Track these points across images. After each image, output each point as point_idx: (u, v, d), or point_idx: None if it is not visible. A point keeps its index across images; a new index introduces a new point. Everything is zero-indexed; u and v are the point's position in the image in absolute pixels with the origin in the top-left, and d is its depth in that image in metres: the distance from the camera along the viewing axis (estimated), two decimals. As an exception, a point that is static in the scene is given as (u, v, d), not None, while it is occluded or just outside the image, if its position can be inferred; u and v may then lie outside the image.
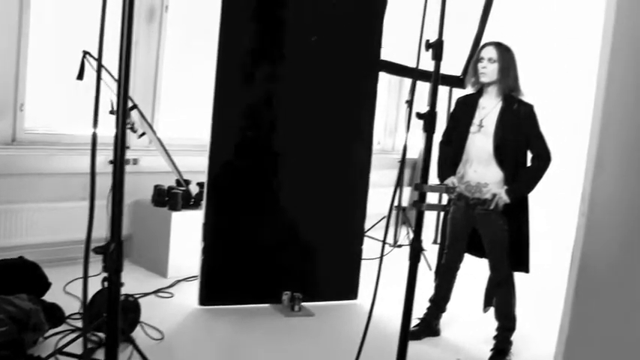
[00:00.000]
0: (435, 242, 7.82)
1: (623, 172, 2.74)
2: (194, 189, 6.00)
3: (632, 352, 2.70)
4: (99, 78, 2.07)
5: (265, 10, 5.13)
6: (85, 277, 2.10)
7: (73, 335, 4.08)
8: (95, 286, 2.72)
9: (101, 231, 2.35)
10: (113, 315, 2.16)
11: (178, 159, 5.64)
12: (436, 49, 2.90)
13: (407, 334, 3.17)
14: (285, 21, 5.20)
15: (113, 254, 2.03)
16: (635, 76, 2.68)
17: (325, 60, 5.34)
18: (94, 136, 2.06)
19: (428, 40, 2.93)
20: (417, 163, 8.95)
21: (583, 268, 2.75)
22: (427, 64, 3.00)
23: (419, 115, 2.96)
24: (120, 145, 2.04)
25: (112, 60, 2.34)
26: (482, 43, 4.90)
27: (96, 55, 2.75)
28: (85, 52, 4.17)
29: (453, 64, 6.57)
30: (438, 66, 2.93)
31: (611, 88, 2.65)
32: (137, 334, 4.28)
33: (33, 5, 5.34)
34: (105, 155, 2.63)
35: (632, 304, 2.69)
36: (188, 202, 5.91)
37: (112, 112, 3.69)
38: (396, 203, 7.71)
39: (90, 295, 4.04)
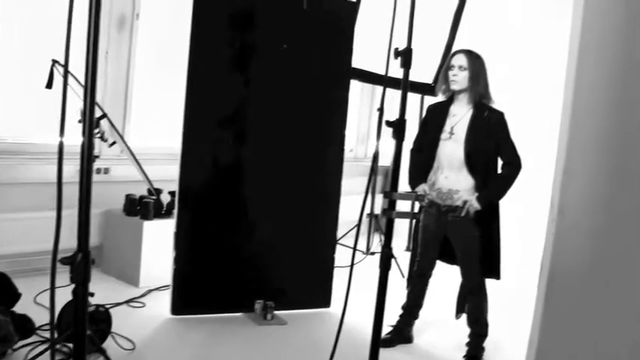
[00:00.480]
0: (408, 249, 7.84)
1: (592, 179, 2.76)
2: (166, 198, 5.98)
3: (602, 358, 2.72)
4: (65, 86, 2.05)
5: (236, 19, 5.12)
6: (52, 288, 2.09)
7: (43, 347, 4.04)
8: (67, 296, 2.70)
9: (72, 241, 2.33)
10: (81, 326, 2.13)
11: (150, 168, 5.60)
12: (405, 56, 2.91)
13: (378, 341, 3.17)
14: (256, 29, 5.19)
15: (80, 265, 2.01)
16: (602, 82, 2.70)
17: (296, 68, 5.34)
18: (61, 145, 2.05)
19: (397, 48, 2.95)
20: (389, 170, 8.96)
21: (553, 274, 2.76)
22: (398, 71, 3.01)
23: (388, 123, 2.96)
24: (87, 153, 2.02)
25: (81, 68, 2.31)
26: (452, 51, 4.93)
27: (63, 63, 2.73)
28: (54, 61, 4.13)
29: (424, 71, 6.60)
30: (406, 74, 2.94)
31: (578, 95, 2.67)
32: (108, 344, 4.24)
33: (0, 13, 5.30)
34: (75, 164, 2.61)
35: (601, 310, 2.71)
36: (160, 211, 5.89)
37: (81, 121, 3.67)
38: (368, 211, 7.73)
39: (61, 306, 4.05)
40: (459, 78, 4.62)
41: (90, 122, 1.99)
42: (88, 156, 2.00)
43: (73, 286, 2.12)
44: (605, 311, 2.68)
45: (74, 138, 2.38)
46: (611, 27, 2.67)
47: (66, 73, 2.00)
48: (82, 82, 2.10)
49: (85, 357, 2.17)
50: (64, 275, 2.17)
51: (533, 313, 2.86)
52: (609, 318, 2.66)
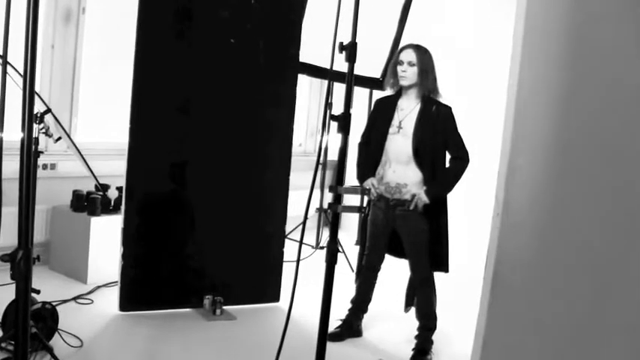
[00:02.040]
0: (357, 243, 7.86)
1: (536, 174, 2.79)
2: (113, 194, 5.92)
3: (545, 351, 2.75)
4: (4, 81, 2.02)
5: (183, 13, 5.08)
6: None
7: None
8: (13, 294, 2.67)
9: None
10: (23, 323, 2.10)
11: (98, 163, 5.56)
12: (349, 51, 2.91)
13: (325, 335, 3.17)
14: (203, 24, 5.16)
15: (20, 262, 1.98)
16: (545, 77, 2.73)
17: (244, 62, 5.33)
18: (0, 141, 2.02)
19: (342, 43, 2.94)
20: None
21: (497, 268, 2.79)
22: (345, 65, 3.01)
23: (333, 117, 2.96)
24: (26, 149, 1.99)
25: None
26: (400, 45, 4.93)
27: (10, 60, 2.68)
28: (-3, 55, 4.08)
29: (372, 65, 6.61)
30: (351, 68, 2.94)
31: (522, 91, 2.69)
32: (55, 342, 4.19)
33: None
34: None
35: (545, 304, 2.74)
36: (107, 207, 5.83)
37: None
38: (317, 205, 7.74)
39: (7, 304, 3.99)
40: (408, 73, 4.64)
41: (29, 117, 1.96)
42: (27, 151, 1.97)
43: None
44: (548, 304, 2.71)
45: (19, 133, 2.35)
46: (555, 22, 2.71)
47: (5, 65, 1.97)
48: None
49: (27, 355, 2.13)
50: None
51: (479, 306, 2.89)
52: (552, 311, 2.70)
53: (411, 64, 4.63)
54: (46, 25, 5.97)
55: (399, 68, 4.67)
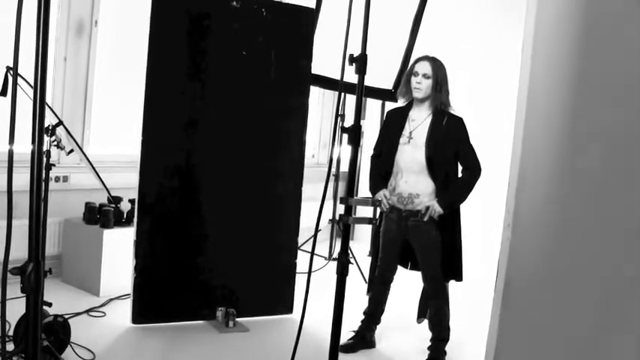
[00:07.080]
0: (370, 254, 7.83)
1: (547, 183, 2.78)
2: (126, 206, 5.93)
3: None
4: (14, 93, 2.03)
5: (195, 26, 5.10)
6: (4, 300, 2.06)
7: None
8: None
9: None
10: (33, 337, 2.10)
11: (111, 175, 5.56)
12: (359, 63, 2.91)
13: (337, 347, 3.17)
14: (214, 36, 5.17)
15: (31, 275, 1.98)
16: (555, 87, 2.72)
17: (255, 74, 5.34)
18: (11, 153, 2.03)
19: (352, 55, 2.94)
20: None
21: (509, 278, 2.78)
22: (356, 77, 3.00)
23: (343, 129, 2.96)
24: (37, 161, 2.00)
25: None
26: (415, 57, 4.92)
27: (23, 73, 2.68)
28: (9, 68, 4.09)
29: (384, 77, 6.60)
30: (361, 80, 2.93)
31: (531, 101, 2.69)
32: (68, 355, 4.19)
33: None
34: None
35: (556, 314, 2.73)
36: (120, 219, 5.83)
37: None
38: (330, 217, 7.73)
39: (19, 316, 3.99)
40: (423, 86, 4.63)
41: (40, 129, 1.97)
42: (38, 163, 1.97)
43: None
44: (559, 314, 2.70)
45: (30, 146, 2.36)
46: (564, 33, 2.70)
47: (15, 78, 1.98)
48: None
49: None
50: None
51: (491, 317, 2.88)
52: (563, 320, 2.68)
53: (426, 76, 4.62)
54: (59, 38, 5.99)
55: (414, 79, 4.66)
